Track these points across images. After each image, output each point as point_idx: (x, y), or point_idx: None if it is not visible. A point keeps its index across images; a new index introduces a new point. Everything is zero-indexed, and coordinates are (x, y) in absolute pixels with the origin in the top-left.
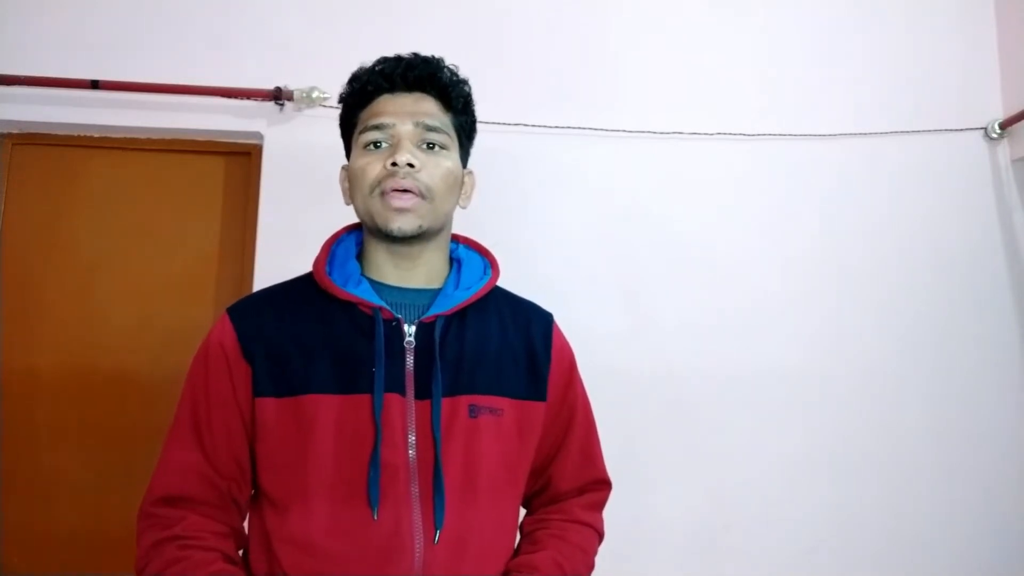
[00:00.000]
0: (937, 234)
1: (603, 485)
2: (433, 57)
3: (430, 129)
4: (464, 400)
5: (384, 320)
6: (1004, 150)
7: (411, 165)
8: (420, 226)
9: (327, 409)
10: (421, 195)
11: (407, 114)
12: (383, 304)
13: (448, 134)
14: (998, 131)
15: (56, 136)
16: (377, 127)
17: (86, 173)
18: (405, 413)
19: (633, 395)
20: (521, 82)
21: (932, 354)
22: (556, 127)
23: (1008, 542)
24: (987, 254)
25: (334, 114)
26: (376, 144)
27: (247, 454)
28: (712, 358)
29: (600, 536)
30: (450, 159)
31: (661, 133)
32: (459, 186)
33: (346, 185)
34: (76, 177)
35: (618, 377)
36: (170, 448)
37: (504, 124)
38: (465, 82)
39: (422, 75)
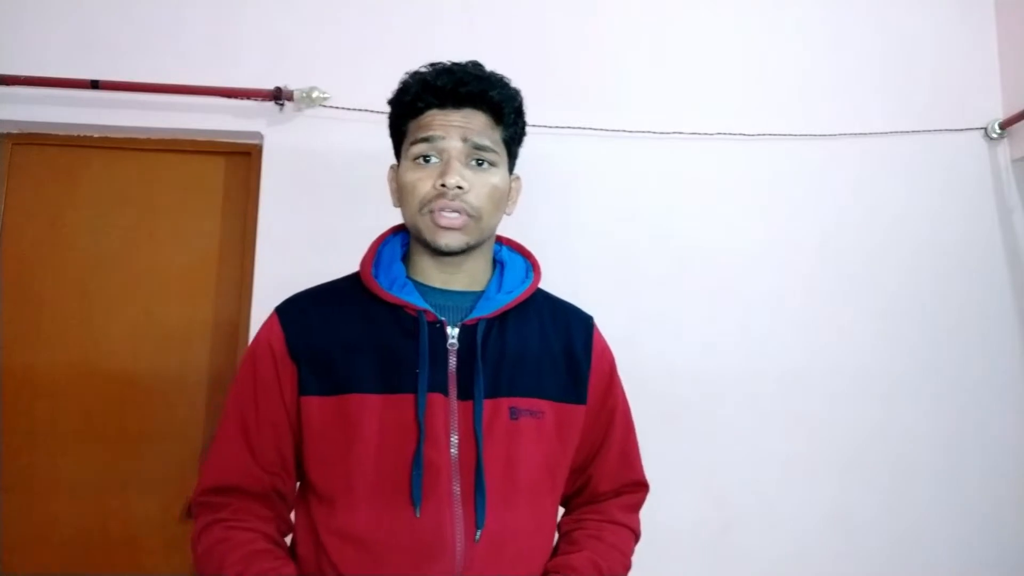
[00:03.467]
0: (937, 234)
1: (640, 487)
2: (483, 71)
3: (479, 148)
4: (505, 402)
5: (428, 322)
6: (1004, 150)
7: (460, 187)
8: (467, 243)
9: (371, 408)
10: (469, 215)
11: (457, 129)
12: (427, 307)
13: (496, 151)
14: (998, 131)
15: (56, 136)
16: (426, 140)
17: (86, 173)
18: (448, 413)
19: (633, 395)
20: (521, 83)
21: (932, 354)
22: (556, 127)
23: (1008, 543)
24: (987, 254)
25: (334, 114)
26: (426, 158)
27: (291, 450)
28: (712, 358)
29: (636, 536)
30: (498, 175)
31: (661, 133)
32: (506, 199)
33: (394, 186)
34: (76, 177)
35: None
36: (219, 442)
37: None
38: (516, 95)
39: (473, 92)
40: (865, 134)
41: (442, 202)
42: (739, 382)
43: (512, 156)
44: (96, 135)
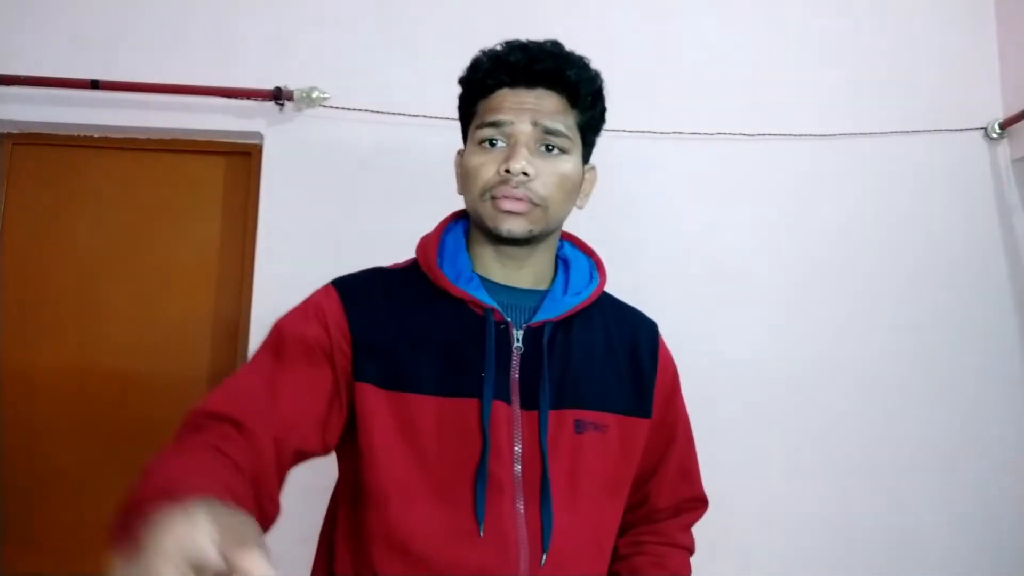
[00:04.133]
0: (937, 234)
1: (700, 503)
2: (562, 49)
3: (549, 132)
4: (570, 414)
5: (495, 322)
6: (1004, 150)
7: (525, 174)
8: (531, 231)
9: (430, 410)
10: (533, 203)
11: (527, 112)
12: (495, 305)
13: (569, 136)
14: (998, 131)
15: (56, 136)
16: (493, 124)
17: (86, 173)
18: (511, 423)
19: None
20: None
21: (932, 353)
22: None
23: (1009, 543)
24: (987, 254)
25: (334, 114)
26: (491, 142)
27: (318, 414)
28: (712, 358)
29: (692, 554)
30: (570, 162)
31: (661, 133)
32: (577, 190)
33: (459, 171)
34: (76, 177)
35: None
36: (240, 374)
37: None
38: (595, 77)
39: (547, 69)
40: (865, 134)
41: (505, 188)
42: (739, 382)
43: (587, 144)
44: (96, 135)
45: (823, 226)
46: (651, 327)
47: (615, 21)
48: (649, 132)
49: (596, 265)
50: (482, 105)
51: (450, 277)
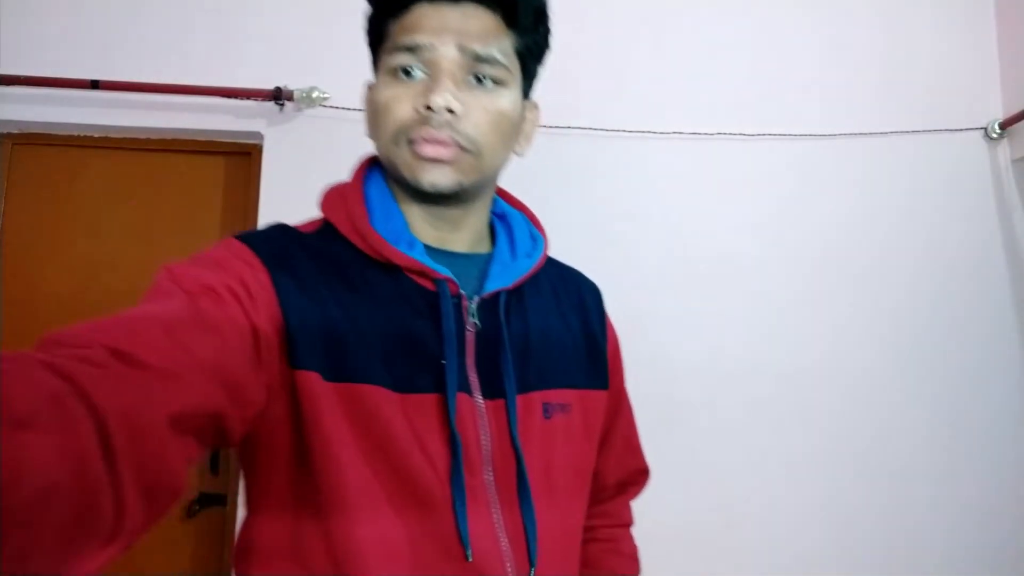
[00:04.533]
0: (937, 234)
1: (644, 475)
2: None
3: (481, 59)
4: (537, 397)
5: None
6: (1004, 150)
7: (451, 111)
8: (460, 183)
9: (387, 406)
10: (462, 148)
11: (451, 34)
12: (451, 276)
13: (505, 64)
14: (998, 131)
15: (56, 136)
16: (409, 48)
17: (86, 173)
18: (476, 418)
19: (633, 395)
20: None
21: (932, 353)
22: (555, 127)
23: (1009, 543)
24: (987, 254)
25: (334, 114)
26: (407, 71)
27: (246, 375)
28: (712, 358)
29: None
30: (506, 97)
31: (661, 133)
32: (516, 131)
33: (368, 109)
34: (76, 177)
35: None
36: (122, 314)
37: None
38: None
39: None
40: (865, 134)
41: (426, 130)
42: (739, 382)
43: (528, 75)
44: (96, 135)
45: (823, 226)
46: (594, 287)
47: (614, 20)
48: (649, 132)
49: (530, 219)
50: (394, 25)
51: (389, 241)
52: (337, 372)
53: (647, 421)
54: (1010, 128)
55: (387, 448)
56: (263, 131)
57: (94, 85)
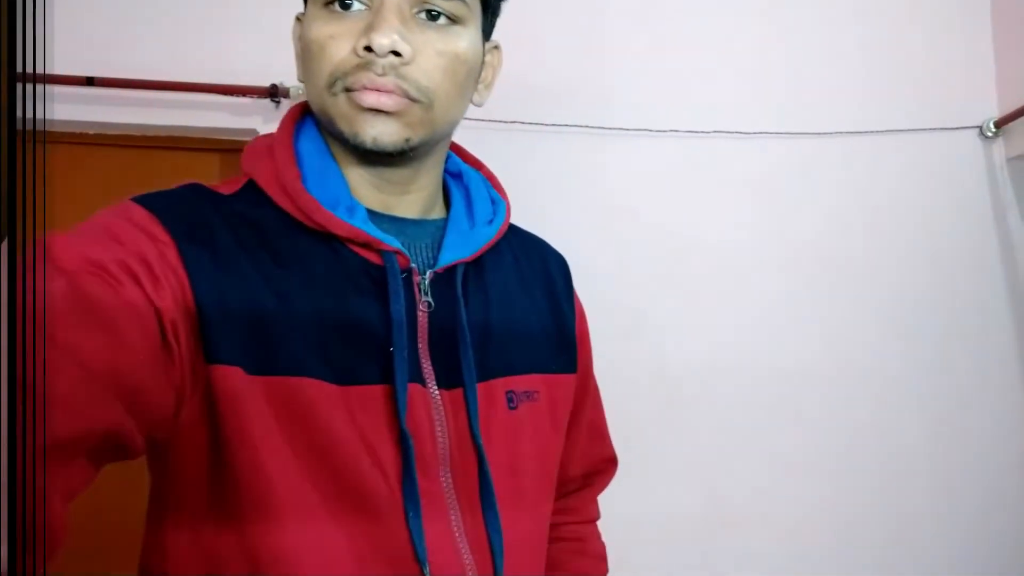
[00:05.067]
0: (932, 233)
1: (613, 463)
2: None
3: None
4: (500, 385)
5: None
6: (999, 149)
7: (397, 54)
8: (408, 140)
9: (324, 401)
10: (410, 98)
11: None
12: (400, 247)
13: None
14: (993, 130)
15: (51, 133)
16: None
17: (81, 170)
18: (430, 411)
19: (632, 395)
20: (514, 80)
21: (928, 352)
22: (552, 125)
23: (1008, 543)
24: (982, 253)
25: None
26: (344, 3)
27: (147, 377)
28: (711, 357)
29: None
30: (464, 37)
31: (658, 131)
32: (475, 77)
33: (298, 48)
34: (71, 174)
35: (616, 376)
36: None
37: (499, 122)
38: None
39: None
40: (860, 132)
41: (367, 76)
42: (735, 380)
43: (490, 12)
44: (91, 132)
45: (817, 224)
46: (560, 259)
47: (613, 20)
48: (646, 130)
49: (489, 180)
50: None
51: (326, 206)
52: (263, 364)
53: (646, 420)
54: (1005, 127)
55: (326, 450)
56: (259, 128)
57: (89, 82)
